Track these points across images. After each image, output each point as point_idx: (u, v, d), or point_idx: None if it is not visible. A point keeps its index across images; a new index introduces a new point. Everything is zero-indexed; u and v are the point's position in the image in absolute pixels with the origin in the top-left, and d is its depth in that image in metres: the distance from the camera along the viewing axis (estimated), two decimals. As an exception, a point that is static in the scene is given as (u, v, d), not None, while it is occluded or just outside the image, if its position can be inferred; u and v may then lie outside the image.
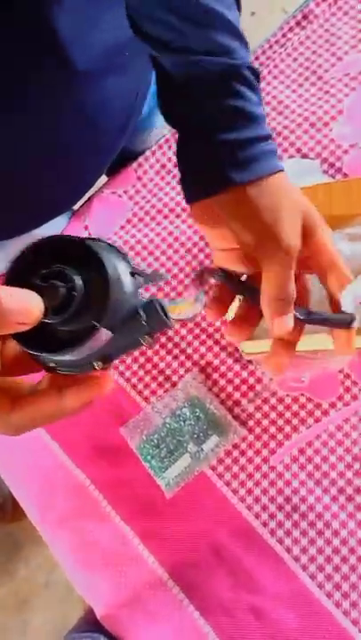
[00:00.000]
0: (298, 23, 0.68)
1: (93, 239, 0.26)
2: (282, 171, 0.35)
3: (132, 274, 0.26)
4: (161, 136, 0.66)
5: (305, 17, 0.68)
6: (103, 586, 0.52)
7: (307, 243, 0.33)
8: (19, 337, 0.24)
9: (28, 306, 0.22)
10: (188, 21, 0.34)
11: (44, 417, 0.27)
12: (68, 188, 0.57)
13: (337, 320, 0.33)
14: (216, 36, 0.34)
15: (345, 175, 0.60)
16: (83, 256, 0.25)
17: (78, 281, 0.24)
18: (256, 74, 0.35)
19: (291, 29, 0.68)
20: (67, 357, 0.25)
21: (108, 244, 0.27)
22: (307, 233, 0.33)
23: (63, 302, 0.24)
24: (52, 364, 0.26)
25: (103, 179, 0.68)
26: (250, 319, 0.35)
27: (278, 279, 0.32)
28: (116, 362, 0.58)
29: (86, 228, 0.63)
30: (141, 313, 0.26)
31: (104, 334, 0.25)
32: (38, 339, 0.24)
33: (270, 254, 0.32)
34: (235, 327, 0.35)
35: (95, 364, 0.26)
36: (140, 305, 0.26)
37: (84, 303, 0.24)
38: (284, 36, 0.68)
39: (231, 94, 0.34)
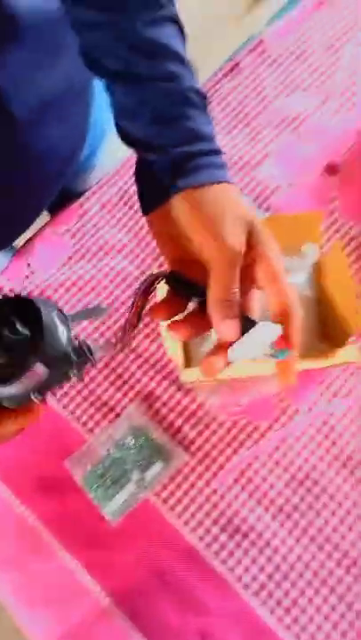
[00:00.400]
0: (225, 74, 0.73)
1: (43, 300, 0.32)
2: (230, 183, 0.38)
3: (67, 323, 0.32)
4: (101, 176, 0.69)
5: (233, 68, 0.74)
6: (48, 622, 0.52)
7: (251, 252, 0.35)
8: None
9: None
10: (137, 53, 0.38)
11: None
12: (7, 227, 0.59)
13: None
14: (162, 64, 0.38)
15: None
16: (30, 310, 0.31)
17: (24, 330, 0.31)
18: (203, 96, 0.39)
19: (219, 80, 0.74)
20: (9, 391, 0.30)
21: (51, 302, 0.33)
22: (252, 242, 0.36)
23: (7, 346, 0.30)
24: None
25: (45, 217, 0.70)
26: (195, 322, 0.37)
27: (222, 279, 0.34)
28: (59, 395, 0.59)
29: (29, 265, 0.65)
30: (71, 354, 0.31)
31: (41, 370, 0.30)
32: None
33: (215, 255, 0.34)
34: (178, 323, 0.37)
35: (33, 397, 0.31)
36: (71, 346, 0.32)
37: (26, 347, 0.30)
38: (213, 86, 0.73)
39: (180, 117, 0.38)
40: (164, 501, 0.55)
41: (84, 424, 0.58)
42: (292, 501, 0.54)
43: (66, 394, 0.59)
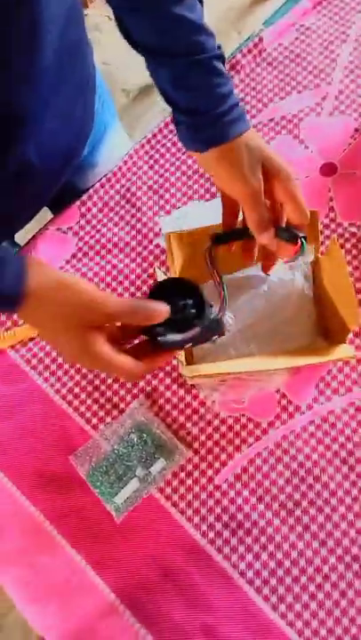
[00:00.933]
0: (226, 73, 0.74)
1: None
2: (246, 129, 0.46)
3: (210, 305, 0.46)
4: (103, 175, 0.69)
5: (233, 67, 0.75)
6: (55, 617, 0.52)
7: (270, 180, 0.46)
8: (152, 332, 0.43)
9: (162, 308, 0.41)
10: (168, 30, 0.45)
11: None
12: (8, 221, 0.59)
13: (291, 234, 0.48)
14: (190, 38, 0.45)
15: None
16: (189, 290, 0.45)
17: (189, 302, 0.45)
18: (222, 58, 0.47)
19: (220, 78, 0.74)
20: (175, 338, 0.44)
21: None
22: (270, 171, 0.45)
23: (180, 310, 0.44)
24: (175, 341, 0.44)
25: (48, 215, 0.70)
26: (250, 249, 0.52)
27: (253, 209, 0.45)
28: (64, 391, 0.60)
29: (32, 263, 0.65)
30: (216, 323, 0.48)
31: (197, 330, 0.44)
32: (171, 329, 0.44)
33: (241, 195, 0.46)
34: (245, 252, 0.52)
35: (187, 346, 0.46)
36: (214, 318, 0.47)
37: (191, 314, 0.44)
38: (214, 84, 0.74)
39: (205, 85, 0.45)
40: (168, 498, 0.55)
41: (89, 420, 0.58)
42: (293, 498, 0.55)
43: (70, 390, 0.60)
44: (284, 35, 0.76)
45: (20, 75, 0.43)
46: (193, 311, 0.44)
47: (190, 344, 0.46)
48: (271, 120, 0.71)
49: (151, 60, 0.48)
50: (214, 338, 0.49)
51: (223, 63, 0.47)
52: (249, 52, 0.75)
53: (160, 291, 0.44)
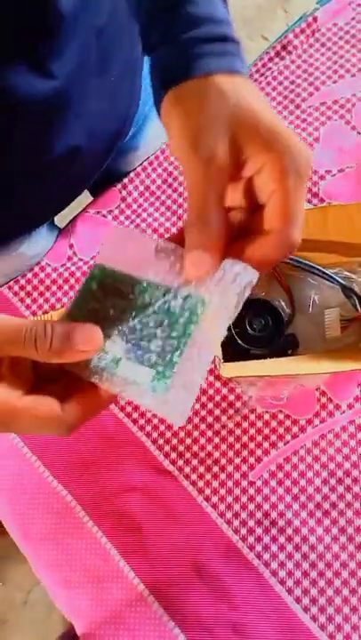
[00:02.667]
0: (277, 53, 0.71)
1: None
2: (232, 74, 0.30)
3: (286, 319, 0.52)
4: (145, 158, 0.68)
5: (284, 47, 0.71)
6: (85, 603, 0.52)
7: (253, 157, 0.28)
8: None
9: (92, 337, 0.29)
10: None
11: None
12: (51, 204, 0.58)
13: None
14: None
15: (321, 200, 0.63)
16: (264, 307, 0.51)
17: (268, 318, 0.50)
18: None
19: (271, 59, 0.71)
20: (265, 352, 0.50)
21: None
22: (254, 152, 0.27)
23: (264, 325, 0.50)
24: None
25: (88, 198, 0.69)
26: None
27: (194, 199, 0.27)
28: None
29: (71, 246, 0.64)
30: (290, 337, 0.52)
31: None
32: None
33: (187, 165, 0.28)
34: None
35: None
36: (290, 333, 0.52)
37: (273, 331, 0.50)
38: (264, 65, 0.71)
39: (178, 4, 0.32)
40: (200, 491, 0.54)
41: (122, 408, 0.58)
42: (330, 499, 0.53)
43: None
44: (339, 14, 0.72)
45: (68, 56, 0.41)
46: (271, 326, 0.50)
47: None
48: (323, 104, 0.67)
49: None
50: (289, 352, 0.51)
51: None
52: (302, 31, 0.72)
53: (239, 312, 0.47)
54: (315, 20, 0.72)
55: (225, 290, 0.28)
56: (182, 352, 0.28)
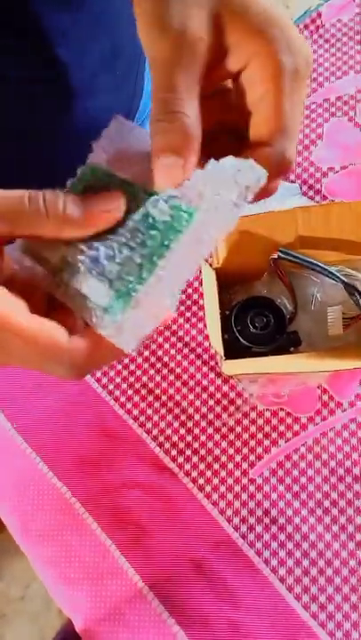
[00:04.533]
0: (281, 49, 0.70)
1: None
2: None
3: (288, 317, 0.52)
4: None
5: (287, 43, 0.71)
6: (83, 599, 0.52)
7: (242, 47, 0.22)
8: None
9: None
10: None
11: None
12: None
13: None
14: None
15: (324, 197, 0.63)
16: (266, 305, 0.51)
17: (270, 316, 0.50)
18: None
19: (274, 55, 0.71)
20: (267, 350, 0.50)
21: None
22: (239, 30, 0.22)
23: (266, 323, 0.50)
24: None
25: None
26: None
27: (157, 85, 0.22)
28: (98, 374, 0.59)
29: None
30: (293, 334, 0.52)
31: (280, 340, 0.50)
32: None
33: (157, 43, 0.23)
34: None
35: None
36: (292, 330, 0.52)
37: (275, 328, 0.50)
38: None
39: None
40: (200, 488, 0.54)
41: (123, 405, 0.57)
42: (331, 496, 0.53)
43: (105, 373, 0.59)
44: (343, 10, 0.72)
45: (75, 49, 0.41)
46: (273, 324, 0.50)
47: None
48: (326, 100, 0.67)
49: None
50: (291, 349, 0.51)
51: None
52: (306, 27, 0.71)
53: (241, 310, 0.50)
54: (319, 15, 0.71)
55: (219, 192, 0.23)
56: (153, 269, 0.23)
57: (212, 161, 0.23)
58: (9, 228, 0.22)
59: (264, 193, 0.24)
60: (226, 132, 0.26)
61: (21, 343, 0.22)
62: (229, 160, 0.23)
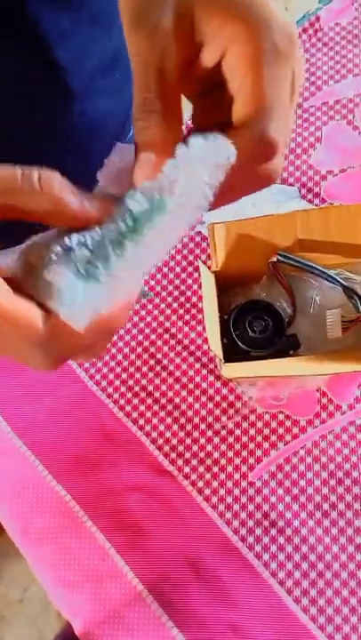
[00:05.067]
0: (279, 53, 0.70)
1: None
2: None
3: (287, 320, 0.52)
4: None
5: (286, 47, 0.71)
6: (83, 602, 0.52)
7: (216, 39, 0.22)
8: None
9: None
10: None
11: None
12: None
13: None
14: None
15: (323, 200, 0.63)
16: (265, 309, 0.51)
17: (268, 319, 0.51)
18: None
19: (273, 58, 0.71)
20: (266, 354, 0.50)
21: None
22: (206, 18, 0.21)
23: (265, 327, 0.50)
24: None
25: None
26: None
27: (136, 81, 0.22)
28: (97, 377, 0.59)
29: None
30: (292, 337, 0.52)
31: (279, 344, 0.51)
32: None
33: (132, 37, 0.23)
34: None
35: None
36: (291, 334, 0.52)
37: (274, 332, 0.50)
38: (266, 64, 0.71)
39: None
40: (200, 491, 0.54)
41: (122, 407, 0.57)
42: (330, 499, 0.53)
43: (104, 376, 0.59)
44: (342, 14, 0.72)
45: (74, 50, 0.41)
46: (271, 327, 0.50)
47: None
48: (325, 104, 0.67)
49: None
50: (290, 352, 0.51)
51: None
52: (304, 31, 0.71)
53: (240, 313, 0.50)
54: (317, 19, 0.71)
55: (189, 174, 0.23)
56: (123, 254, 0.24)
57: (180, 145, 0.23)
58: (1, 198, 0.22)
59: (256, 180, 0.24)
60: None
61: (3, 323, 0.22)
62: (197, 140, 0.23)
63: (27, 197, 0.22)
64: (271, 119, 0.22)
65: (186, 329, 0.59)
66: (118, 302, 0.24)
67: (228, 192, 0.24)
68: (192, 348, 0.59)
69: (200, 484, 0.54)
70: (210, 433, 0.56)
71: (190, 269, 0.62)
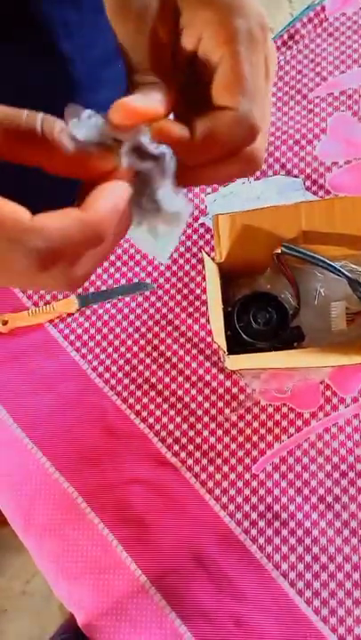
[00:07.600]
0: (284, 43, 0.70)
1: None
2: None
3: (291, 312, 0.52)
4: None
5: (291, 37, 0.70)
6: (86, 594, 0.52)
7: (194, 23, 0.22)
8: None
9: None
10: None
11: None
12: (57, 200, 0.58)
13: None
14: None
15: (327, 192, 0.62)
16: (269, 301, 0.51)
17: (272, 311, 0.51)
18: None
19: (277, 49, 0.70)
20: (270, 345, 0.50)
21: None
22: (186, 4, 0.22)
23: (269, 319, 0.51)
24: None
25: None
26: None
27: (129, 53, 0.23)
28: (101, 369, 0.59)
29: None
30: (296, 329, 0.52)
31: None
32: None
33: (120, 19, 0.24)
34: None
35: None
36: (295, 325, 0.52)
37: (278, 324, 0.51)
38: (270, 54, 0.70)
39: None
40: (203, 484, 0.54)
41: (125, 400, 0.57)
42: (333, 492, 0.53)
43: (107, 369, 0.58)
44: (347, 4, 0.71)
45: (78, 42, 0.41)
46: (275, 319, 0.50)
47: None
48: (330, 95, 0.67)
49: None
50: (294, 344, 0.51)
51: None
52: (309, 21, 0.71)
53: (244, 305, 0.50)
54: (323, 9, 0.71)
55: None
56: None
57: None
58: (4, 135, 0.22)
59: (241, 163, 0.24)
60: None
61: None
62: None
63: (28, 138, 0.22)
64: (254, 103, 0.22)
65: (189, 321, 0.59)
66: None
67: (212, 172, 0.23)
68: (195, 340, 0.58)
69: (203, 476, 0.54)
70: (213, 425, 0.56)
71: (194, 261, 0.61)
